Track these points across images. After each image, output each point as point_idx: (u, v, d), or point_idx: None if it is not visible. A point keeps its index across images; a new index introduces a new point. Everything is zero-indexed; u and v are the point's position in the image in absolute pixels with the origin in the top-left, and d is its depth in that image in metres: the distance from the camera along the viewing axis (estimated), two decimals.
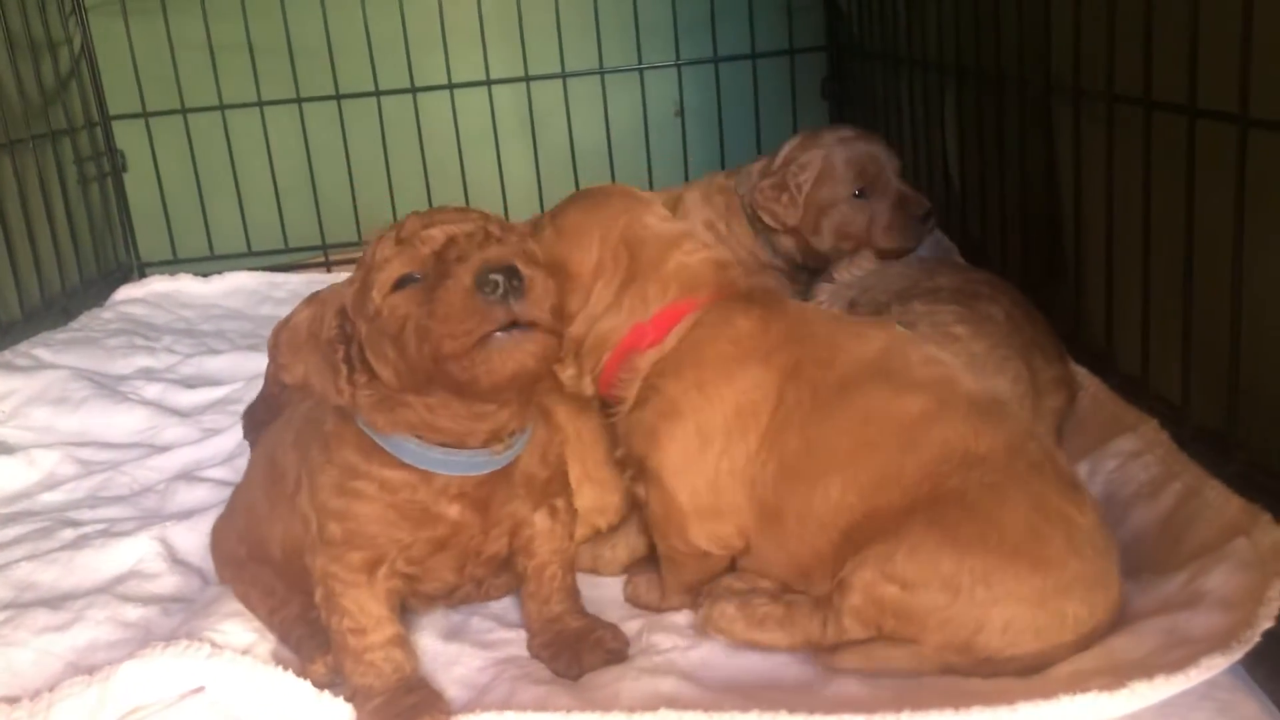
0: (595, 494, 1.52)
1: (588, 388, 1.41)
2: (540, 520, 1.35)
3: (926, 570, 1.16)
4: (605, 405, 1.43)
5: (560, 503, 1.37)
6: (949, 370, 1.32)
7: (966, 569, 1.15)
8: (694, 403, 1.31)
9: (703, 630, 1.33)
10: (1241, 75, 1.26)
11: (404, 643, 1.27)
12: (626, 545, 1.54)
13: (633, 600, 1.47)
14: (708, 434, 1.31)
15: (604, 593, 1.50)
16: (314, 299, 1.29)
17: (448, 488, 1.23)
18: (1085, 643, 1.18)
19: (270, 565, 1.37)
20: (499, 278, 1.07)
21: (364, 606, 1.24)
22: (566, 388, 1.43)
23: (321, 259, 3.37)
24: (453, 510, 1.24)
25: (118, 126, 3.29)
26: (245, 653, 1.28)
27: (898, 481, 1.22)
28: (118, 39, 3.18)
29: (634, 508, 1.52)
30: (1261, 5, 1.23)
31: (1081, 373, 1.72)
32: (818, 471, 1.26)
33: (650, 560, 1.51)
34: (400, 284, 1.13)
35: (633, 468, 1.39)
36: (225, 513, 1.49)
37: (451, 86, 3.26)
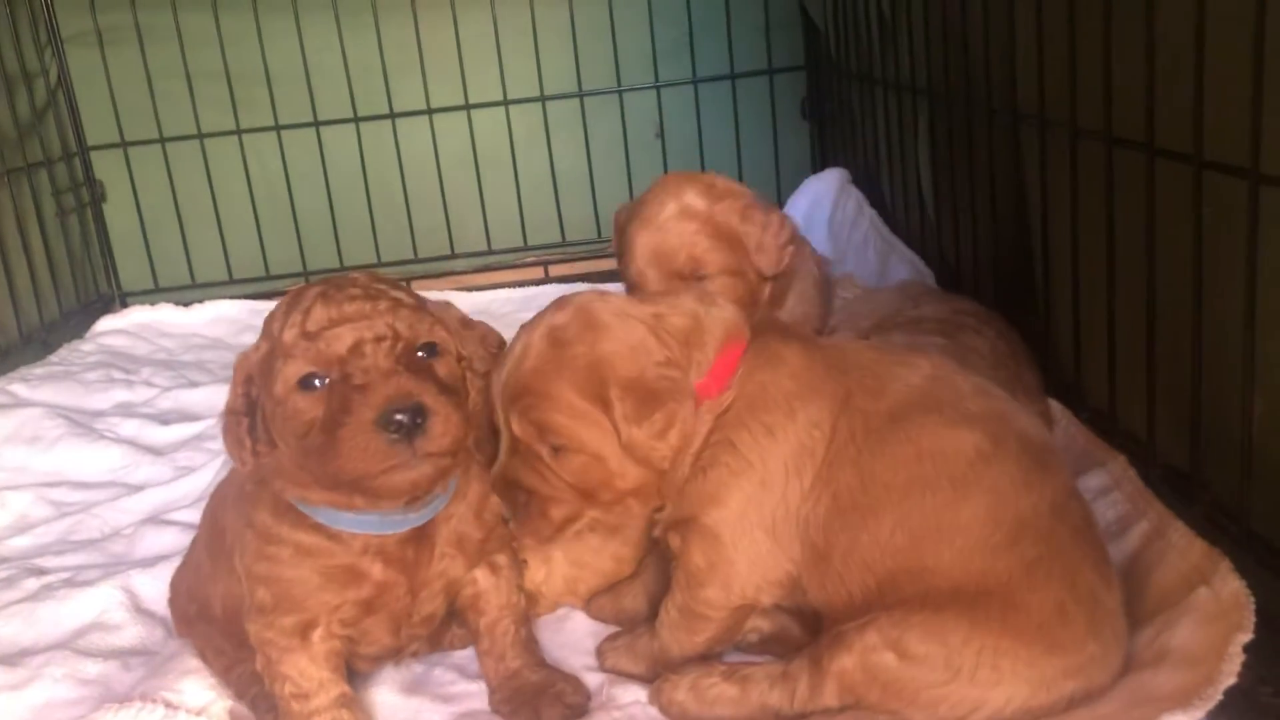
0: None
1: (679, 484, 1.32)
2: (483, 578, 1.34)
3: (933, 644, 1.13)
4: None
5: (501, 559, 1.36)
6: (1000, 405, 1.28)
7: (975, 648, 1.12)
8: (764, 449, 1.25)
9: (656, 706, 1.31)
10: (1195, 117, 1.25)
11: (351, 703, 1.26)
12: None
13: (613, 671, 1.40)
14: (771, 479, 1.25)
15: (567, 638, 1.49)
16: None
17: (367, 547, 1.22)
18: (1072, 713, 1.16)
19: (215, 624, 1.36)
20: (403, 418, 1.07)
21: (304, 671, 1.23)
22: (638, 517, 1.35)
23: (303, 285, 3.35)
24: (375, 570, 1.23)
25: (96, 157, 3.27)
26: (201, 713, 1.27)
27: (951, 539, 1.17)
28: (95, 69, 3.17)
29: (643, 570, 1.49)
30: (1214, 48, 1.22)
31: (1054, 406, 1.71)
32: (869, 507, 1.21)
33: (630, 625, 1.48)
34: (305, 382, 1.11)
35: (673, 522, 1.32)
36: (180, 567, 1.48)
37: (430, 112, 3.25)
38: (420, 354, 1.15)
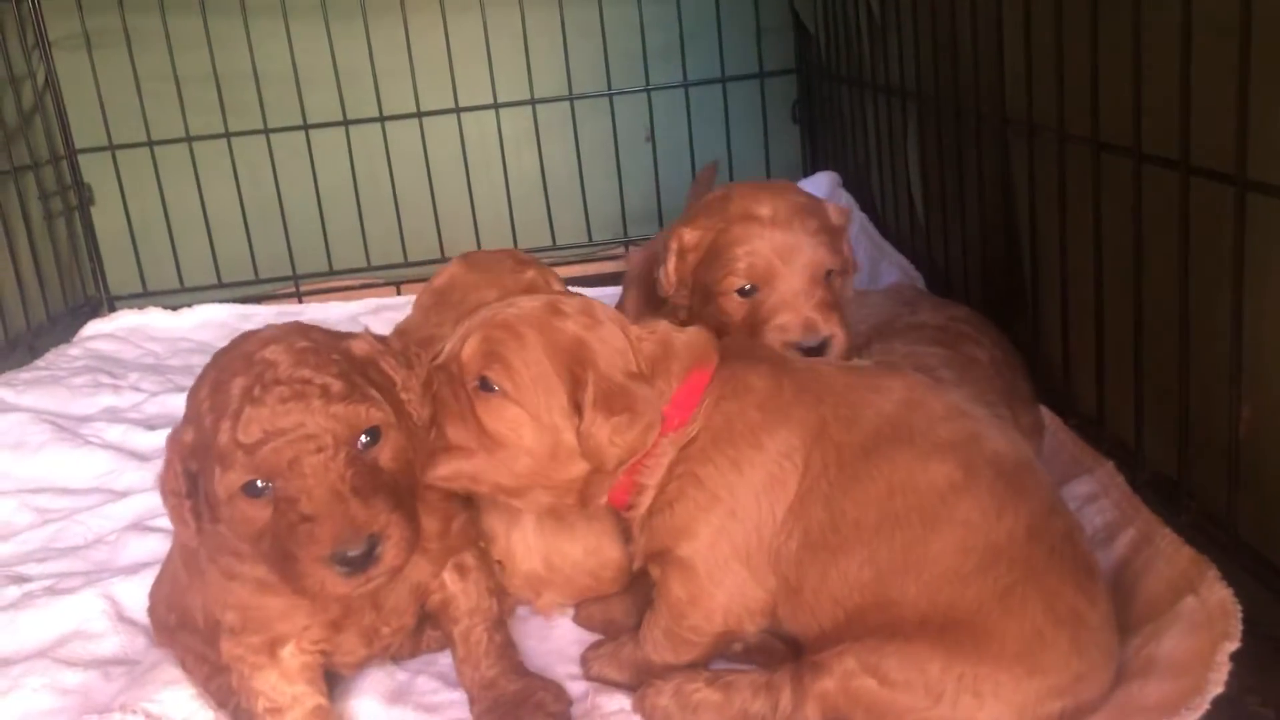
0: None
1: (603, 501, 1.33)
2: (451, 582, 1.33)
3: (911, 671, 1.12)
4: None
5: (469, 559, 1.34)
6: (973, 425, 1.25)
7: (955, 675, 1.11)
8: (730, 482, 1.25)
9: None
10: (1182, 122, 1.24)
11: (327, 714, 1.25)
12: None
13: (597, 679, 1.39)
14: (741, 510, 1.24)
15: (553, 645, 1.48)
16: None
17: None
18: None
19: (197, 634, 1.35)
20: (356, 554, 1.07)
21: (276, 686, 1.23)
22: (546, 509, 1.35)
23: (292, 289, 3.34)
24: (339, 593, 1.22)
25: (84, 160, 3.25)
26: None
27: (917, 572, 1.16)
28: (83, 72, 3.15)
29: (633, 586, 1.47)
30: (1201, 58, 1.22)
31: (1045, 413, 1.70)
32: (839, 545, 1.20)
33: (612, 630, 1.47)
34: (248, 488, 1.09)
35: (652, 557, 1.31)
36: (157, 579, 1.46)
37: (420, 115, 3.24)
38: (363, 440, 1.13)
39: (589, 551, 1.47)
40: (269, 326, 1.18)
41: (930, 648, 1.12)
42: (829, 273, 1.59)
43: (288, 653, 1.23)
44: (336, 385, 1.11)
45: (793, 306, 1.55)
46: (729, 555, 1.25)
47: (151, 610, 1.46)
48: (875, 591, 1.18)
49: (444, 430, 1.25)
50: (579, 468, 1.26)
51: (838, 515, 1.21)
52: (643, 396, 1.24)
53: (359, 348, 1.20)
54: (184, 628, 1.37)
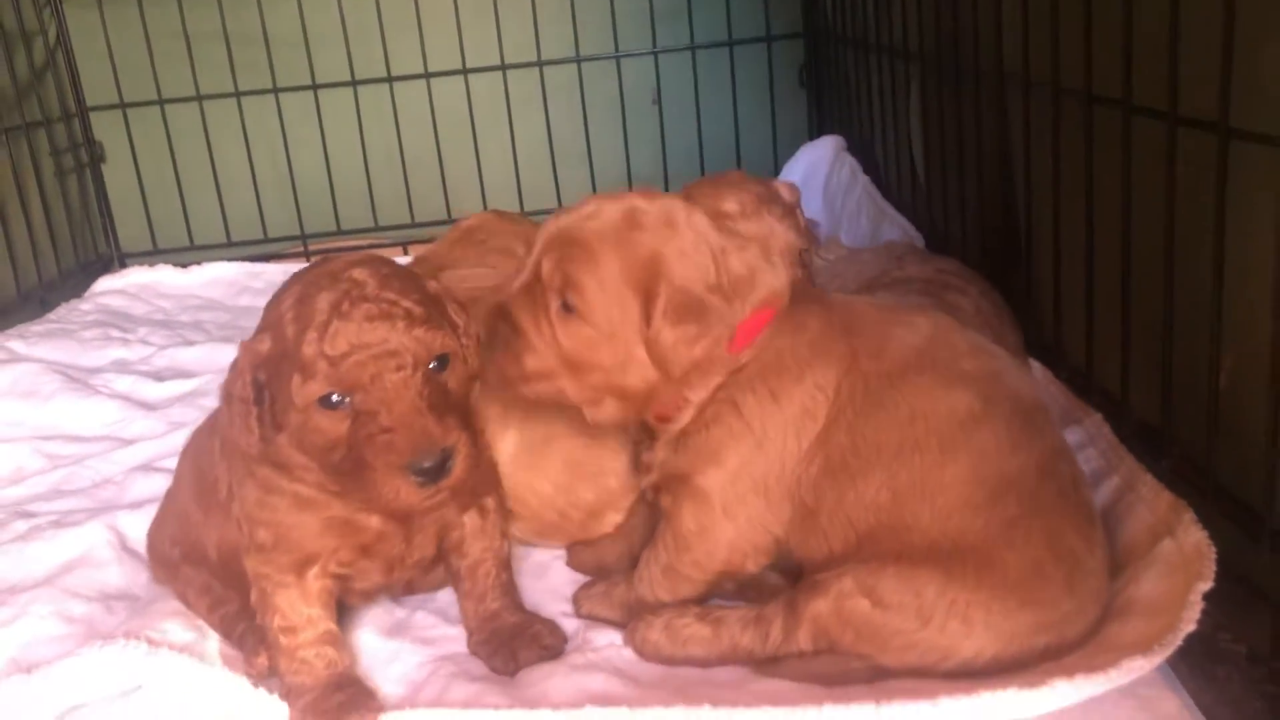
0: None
1: (668, 414, 1.32)
2: (470, 520, 1.36)
3: (906, 593, 1.15)
4: (645, 428, 1.36)
5: (490, 501, 1.38)
6: (995, 364, 1.28)
7: (949, 600, 1.14)
8: (766, 413, 1.26)
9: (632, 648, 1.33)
10: (1170, 72, 1.26)
11: (336, 640, 1.29)
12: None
13: (589, 617, 1.42)
14: (768, 442, 1.26)
15: (546, 584, 1.52)
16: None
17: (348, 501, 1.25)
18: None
19: (207, 567, 1.39)
20: (431, 465, 1.13)
21: (295, 605, 1.26)
22: (615, 424, 1.34)
23: (301, 249, 3.38)
24: (373, 521, 1.26)
25: (95, 117, 3.29)
26: (183, 650, 1.29)
27: (932, 498, 1.19)
28: (94, 30, 3.18)
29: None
30: (1188, 6, 1.23)
31: (1035, 366, 1.72)
32: (859, 468, 1.23)
33: (604, 573, 1.50)
34: (325, 400, 1.14)
35: (667, 480, 1.33)
36: (157, 517, 1.50)
37: (428, 75, 3.26)
38: (433, 365, 1.18)
39: (559, 489, 1.50)
40: (349, 254, 1.23)
41: (930, 572, 1.15)
42: (801, 251, 1.64)
43: (312, 575, 1.27)
44: (418, 310, 1.17)
45: None
46: (748, 489, 1.27)
47: (151, 548, 1.50)
48: (890, 514, 1.21)
49: (522, 360, 1.27)
50: (649, 377, 1.26)
51: (859, 439, 1.23)
52: (714, 309, 1.24)
53: (431, 285, 1.25)
54: (189, 562, 1.40)
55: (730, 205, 1.63)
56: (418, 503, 1.16)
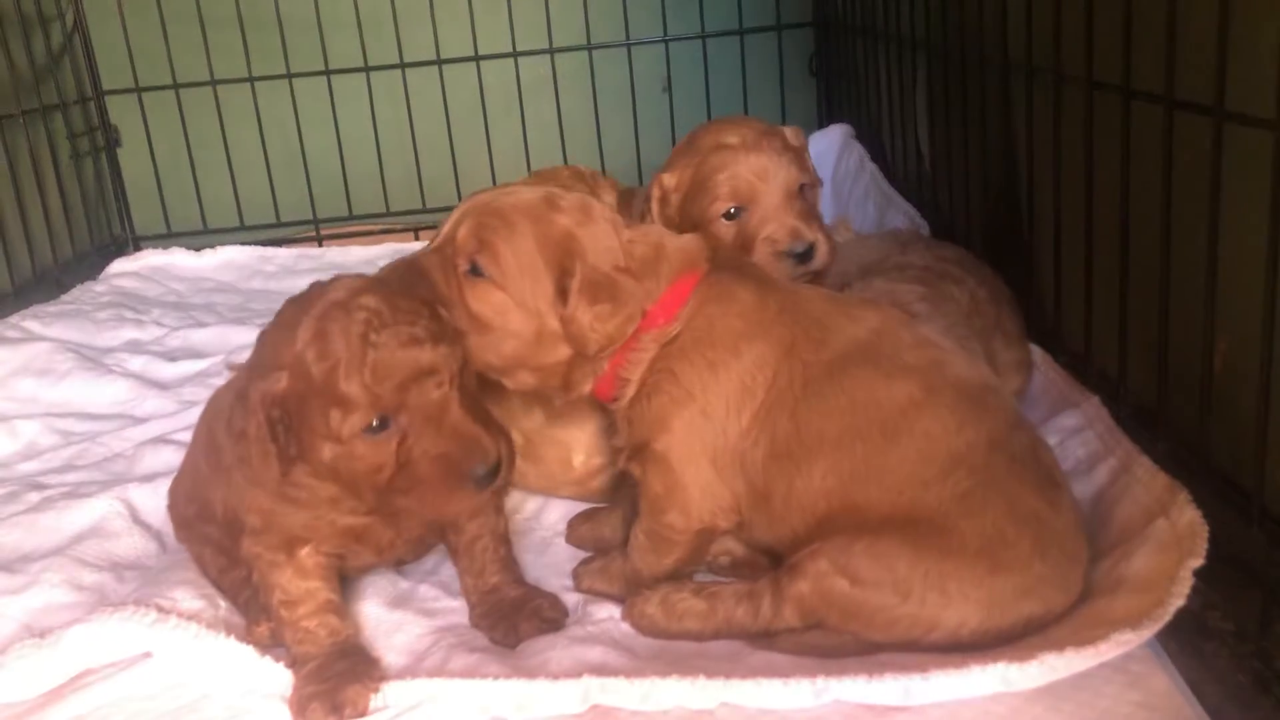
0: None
1: (587, 390, 1.38)
2: None
3: (880, 570, 1.17)
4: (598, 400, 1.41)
5: None
6: (940, 354, 1.31)
7: (921, 572, 1.16)
8: (705, 382, 1.30)
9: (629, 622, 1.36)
10: (1167, 58, 1.27)
11: (338, 608, 1.32)
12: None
13: (588, 591, 1.45)
14: (712, 411, 1.30)
15: (547, 559, 1.54)
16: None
17: (355, 509, 1.29)
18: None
19: (215, 524, 1.42)
20: (487, 472, 1.18)
21: (291, 580, 1.30)
22: (533, 396, 1.42)
23: (313, 233, 3.40)
24: (362, 518, 1.31)
25: (111, 101, 3.32)
26: (191, 619, 1.31)
27: (879, 479, 1.22)
28: (110, 14, 3.21)
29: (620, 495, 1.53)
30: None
31: (1035, 351, 1.74)
32: (803, 455, 1.26)
33: (603, 548, 1.53)
34: (369, 428, 1.17)
35: (632, 451, 1.37)
36: (178, 474, 1.54)
37: (440, 62, 3.28)
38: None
39: None
40: (338, 277, 1.24)
41: (898, 545, 1.17)
42: (801, 186, 1.68)
43: (305, 553, 1.30)
44: (434, 326, 1.20)
45: (777, 218, 1.65)
46: (699, 452, 1.31)
47: (171, 506, 1.54)
48: (841, 497, 1.24)
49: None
50: (563, 352, 1.32)
51: (803, 427, 1.27)
52: (626, 288, 1.30)
53: (420, 294, 1.28)
54: (202, 519, 1.44)
55: (731, 139, 1.69)
56: (476, 507, 1.24)
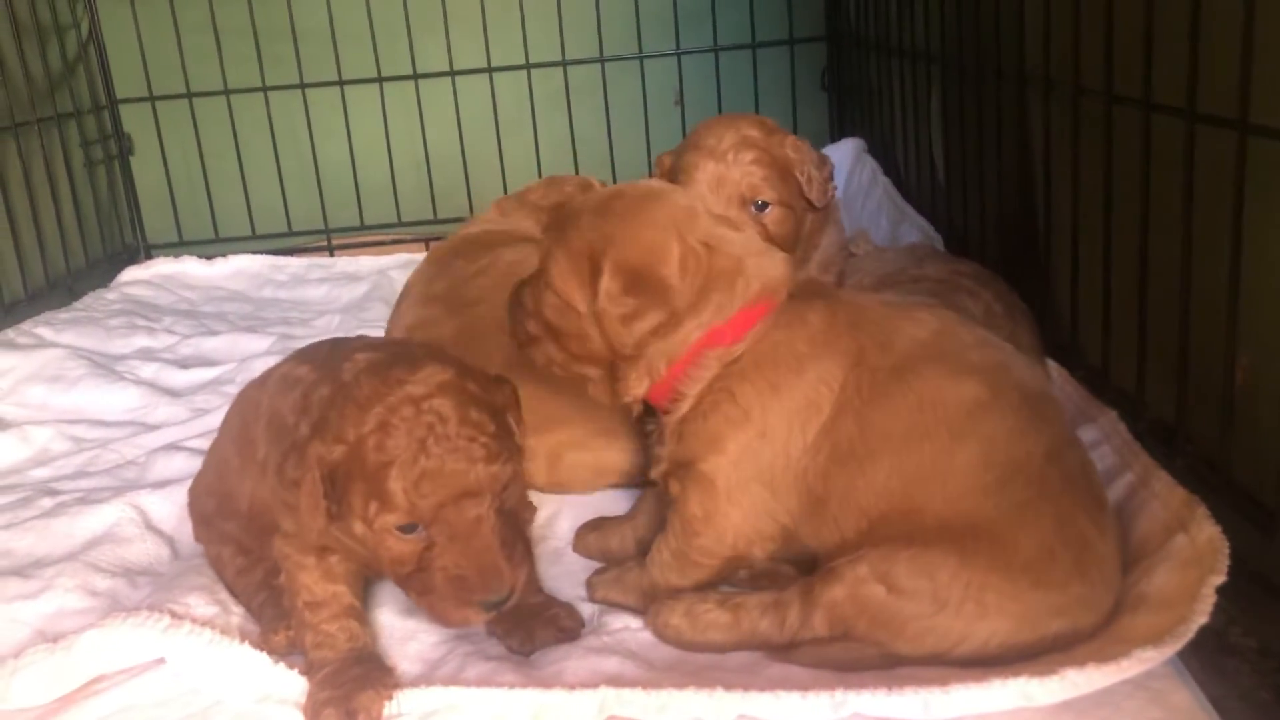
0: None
1: (639, 394, 1.36)
2: None
3: (920, 578, 1.16)
4: (647, 411, 1.40)
5: None
6: (1002, 355, 1.31)
7: (963, 582, 1.15)
8: (765, 403, 1.28)
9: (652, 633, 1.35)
10: (1189, 71, 1.27)
11: (360, 614, 1.32)
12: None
13: (603, 601, 1.44)
14: (771, 433, 1.28)
15: (562, 568, 1.53)
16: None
17: None
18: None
19: (237, 519, 1.42)
20: (498, 600, 1.20)
21: (318, 582, 1.30)
22: (604, 398, 1.40)
23: (324, 242, 3.41)
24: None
25: (125, 110, 3.34)
26: (205, 625, 1.31)
27: (943, 481, 1.21)
28: (125, 23, 3.23)
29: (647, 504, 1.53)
30: (1209, 5, 1.24)
31: (1052, 366, 1.73)
32: (867, 454, 1.25)
33: (610, 560, 1.52)
34: (403, 527, 1.19)
35: (673, 466, 1.35)
36: (201, 470, 1.54)
37: (453, 73, 3.29)
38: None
39: None
40: (426, 357, 1.26)
41: (944, 554, 1.16)
42: (761, 203, 1.72)
43: (334, 559, 1.31)
44: (494, 445, 1.21)
45: None
46: (751, 476, 1.29)
47: (191, 503, 1.54)
48: (901, 498, 1.22)
49: (524, 325, 1.39)
50: (601, 349, 1.33)
51: (867, 427, 1.25)
52: (660, 290, 1.29)
53: (500, 399, 1.29)
54: (223, 514, 1.44)
55: (708, 140, 1.74)
56: (480, 623, 1.27)
